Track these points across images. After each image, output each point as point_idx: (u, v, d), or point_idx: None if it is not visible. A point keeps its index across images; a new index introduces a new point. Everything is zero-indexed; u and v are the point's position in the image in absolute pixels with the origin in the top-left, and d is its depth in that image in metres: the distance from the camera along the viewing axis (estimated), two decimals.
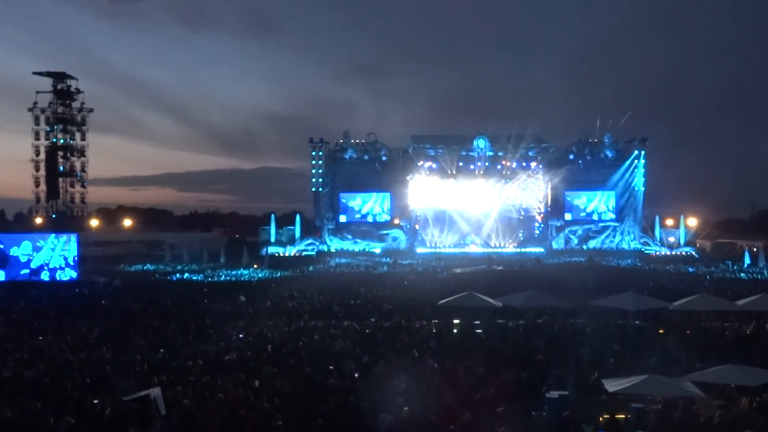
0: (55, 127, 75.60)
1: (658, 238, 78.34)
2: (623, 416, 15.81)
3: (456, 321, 29.68)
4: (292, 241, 78.61)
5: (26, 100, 76.32)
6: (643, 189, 79.42)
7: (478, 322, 29.34)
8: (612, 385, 16.21)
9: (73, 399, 16.87)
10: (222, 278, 55.22)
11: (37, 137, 75.44)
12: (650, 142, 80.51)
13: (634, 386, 15.73)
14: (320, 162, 79.44)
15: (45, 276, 48.92)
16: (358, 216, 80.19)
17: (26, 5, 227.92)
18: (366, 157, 79.54)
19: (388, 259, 69.93)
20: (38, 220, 77.57)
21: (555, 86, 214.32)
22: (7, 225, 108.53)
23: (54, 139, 75.69)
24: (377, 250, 75.74)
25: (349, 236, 78.77)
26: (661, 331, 26.38)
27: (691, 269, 60.82)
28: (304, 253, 75.59)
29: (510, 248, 76.01)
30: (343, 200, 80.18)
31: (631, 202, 79.64)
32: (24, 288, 44.83)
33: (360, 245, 77.42)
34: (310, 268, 62.75)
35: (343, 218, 79.87)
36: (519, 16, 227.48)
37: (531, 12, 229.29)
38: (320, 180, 79.35)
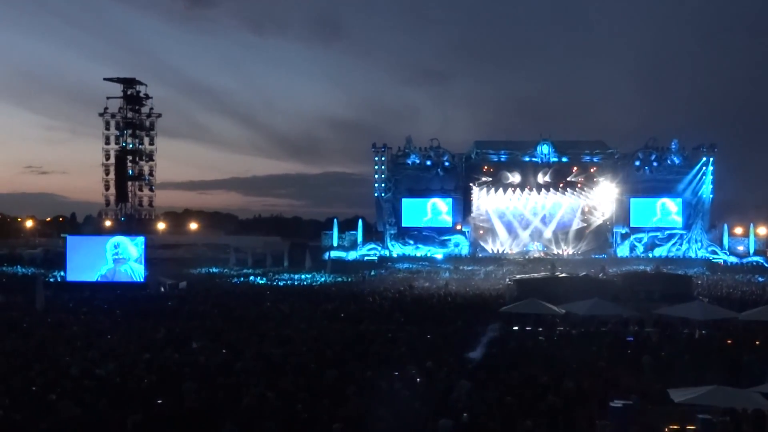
0: (125, 131, 77.09)
1: (726, 247, 76.59)
2: (691, 427, 15.49)
3: (518, 327, 29.46)
4: (354, 246, 79.12)
5: (98, 105, 77.78)
6: (711, 196, 77.67)
7: (540, 329, 29.10)
8: (678, 396, 15.90)
9: (140, 397, 17.18)
10: (285, 282, 55.74)
11: (107, 142, 76.95)
12: (719, 148, 78.86)
13: (701, 397, 15.39)
14: (383, 167, 79.64)
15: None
16: (420, 221, 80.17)
17: (99, 12, 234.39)
18: (428, 163, 79.41)
19: (449, 265, 69.73)
20: (107, 223, 79.17)
21: (621, 90, 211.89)
22: (77, 227, 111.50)
23: (123, 144, 77.17)
24: (439, 256, 75.62)
25: (411, 241, 78.76)
26: (728, 342, 25.79)
27: (760, 279, 59.33)
28: (366, 258, 75.98)
29: (573, 255, 75.15)
30: (406, 205, 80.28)
31: (699, 209, 77.92)
32: (93, 289, 45.85)
33: (422, 250, 77.41)
34: (372, 273, 62.92)
35: (404, 223, 79.96)
36: (586, 18, 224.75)
37: (598, 14, 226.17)
38: (383, 185, 79.52)
